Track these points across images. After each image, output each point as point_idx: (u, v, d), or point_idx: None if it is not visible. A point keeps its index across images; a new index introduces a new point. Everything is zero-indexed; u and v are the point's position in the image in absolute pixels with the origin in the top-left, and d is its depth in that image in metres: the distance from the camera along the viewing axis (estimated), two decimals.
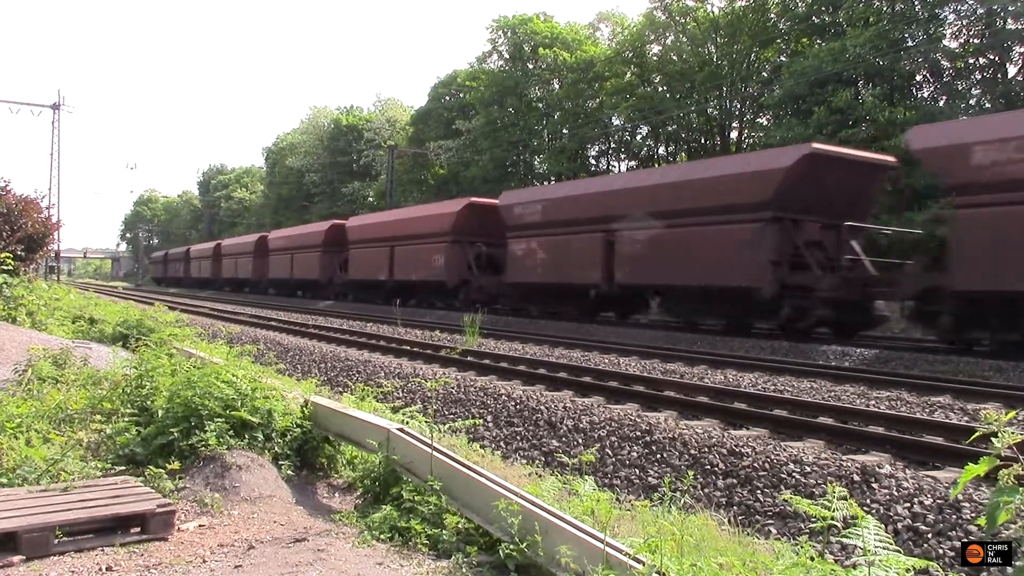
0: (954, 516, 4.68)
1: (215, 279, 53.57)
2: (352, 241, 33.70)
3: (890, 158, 15.97)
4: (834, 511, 2.66)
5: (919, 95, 28.05)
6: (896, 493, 5.11)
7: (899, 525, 4.77)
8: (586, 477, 4.70)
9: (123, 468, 4.62)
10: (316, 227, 40.09)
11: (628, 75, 39.46)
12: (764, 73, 34.28)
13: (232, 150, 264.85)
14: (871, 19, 27.07)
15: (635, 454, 6.73)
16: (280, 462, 4.95)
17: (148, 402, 5.26)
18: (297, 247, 40.15)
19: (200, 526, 4.01)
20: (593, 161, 44.65)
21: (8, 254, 12.60)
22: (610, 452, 6.87)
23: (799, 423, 7.34)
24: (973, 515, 4.62)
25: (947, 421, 7.48)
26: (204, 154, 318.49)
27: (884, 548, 2.42)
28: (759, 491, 5.63)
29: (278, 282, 43.23)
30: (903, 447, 6.35)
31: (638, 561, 2.86)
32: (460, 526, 3.72)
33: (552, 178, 42.42)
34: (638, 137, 42.28)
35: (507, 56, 46.96)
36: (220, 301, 34.56)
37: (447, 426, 5.49)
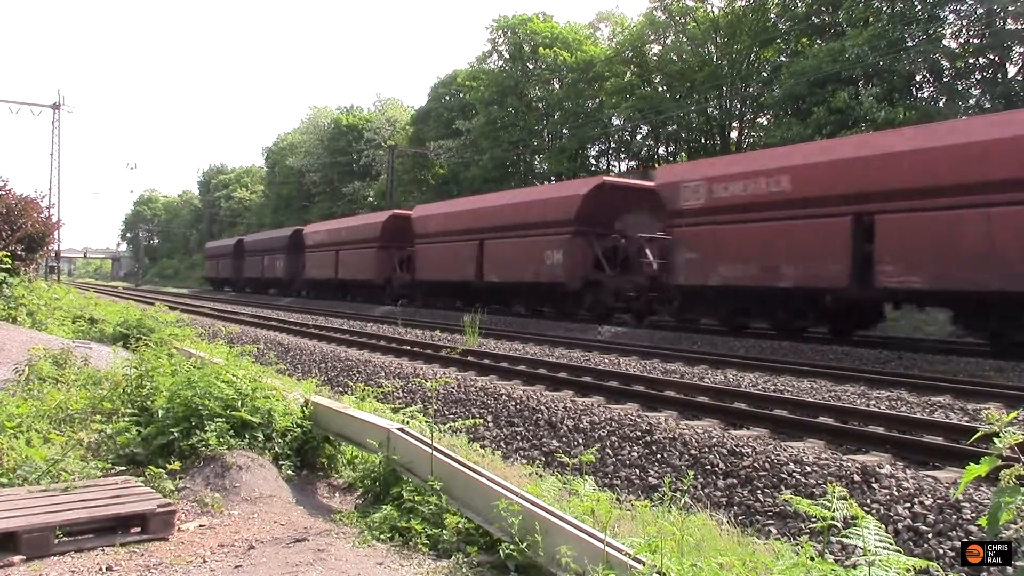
0: (954, 516, 4.68)
1: (408, 280, 29.06)
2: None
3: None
4: (834, 511, 2.66)
5: (919, 95, 28.04)
6: (896, 493, 5.11)
7: (899, 525, 4.77)
8: (586, 477, 4.70)
9: (123, 468, 4.62)
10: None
11: (628, 75, 39.46)
12: (764, 73, 34.25)
13: (232, 150, 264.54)
14: (871, 19, 27.06)
15: (635, 454, 6.73)
16: (280, 462, 4.95)
17: (148, 402, 5.27)
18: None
19: (200, 526, 4.01)
20: (593, 161, 44.66)
21: (7, 253, 12.58)
22: (610, 452, 6.87)
23: (799, 423, 7.35)
24: (973, 515, 4.62)
25: (947, 421, 7.47)
26: (204, 154, 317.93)
27: (884, 548, 2.41)
28: (759, 491, 5.63)
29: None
30: (903, 447, 6.35)
31: (638, 561, 2.86)
32: (460, 526, 3.72)
33: (552, 178, 42.44)
34: (638, 137, 42.28)
35: (507, 56, 46.93)
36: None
37: (447, 426, 5.49)
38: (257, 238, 47.62)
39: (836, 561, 3.49)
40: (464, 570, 3.40)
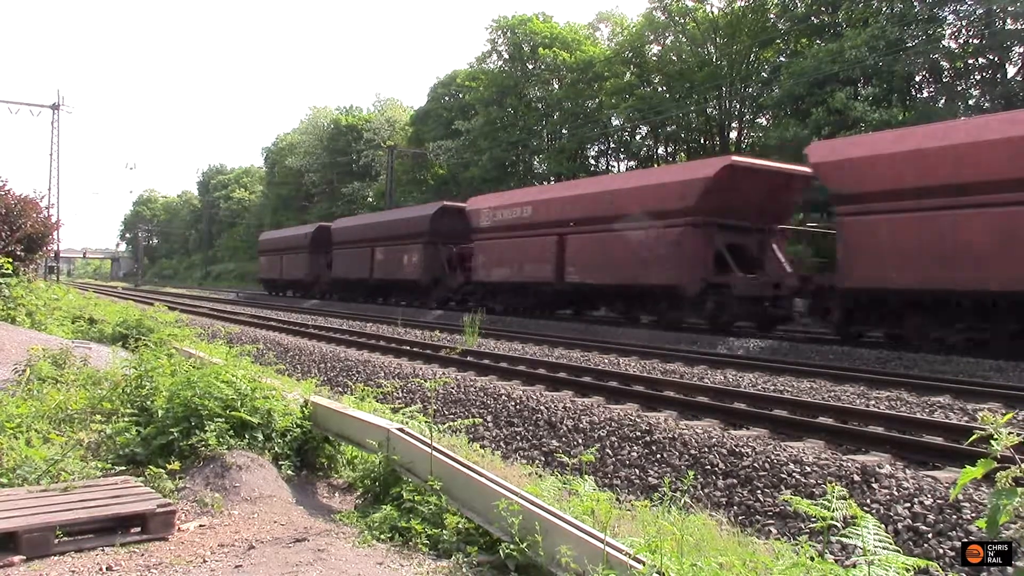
0: (954, 516, 4.68)
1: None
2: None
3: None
4: (834, 511, 2.66)
5: (919, 96, 28.06)
6: (896, 493, 5.11)
7: (899, 525, 4.77)
8: (586, 477, 4.70)
9: (123, 468, 4.62)
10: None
11: (627, 75, 39.50)
12: (763, 73, 34.29)
13: (232, 150, 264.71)
14: (870, 20, 27.08)
15: (635, 454, 6.73)
16: (280, 462, 4.95)
17: (148, 402, 5.26)
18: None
19: (200, 526, 4.00)
20: (592, 161, 44.68)
21: (8, 260, 12.56)
22: (610, 452, 6.87)
23: (799, 423, 7.35)
24: (973, 515, 4.62)
25: (947, 421, 7.48)
26: (204, 154, 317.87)
27: (884, 548, 2.42)
28: (759, 491, 5.63)
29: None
30: (903, 447, 6.35)
31: (638, 561, 2.86)
32: (460, 526, 3.72)
33: (552, 178, 42.46)
34: (637, 137, 42.30)
35: (507, 56, 46.97)
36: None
37: (447, 426, 5.49)
38: (361, 223, 35.11)
39: (836, 561, 3.50)
40: (464, 570, 3.40)
